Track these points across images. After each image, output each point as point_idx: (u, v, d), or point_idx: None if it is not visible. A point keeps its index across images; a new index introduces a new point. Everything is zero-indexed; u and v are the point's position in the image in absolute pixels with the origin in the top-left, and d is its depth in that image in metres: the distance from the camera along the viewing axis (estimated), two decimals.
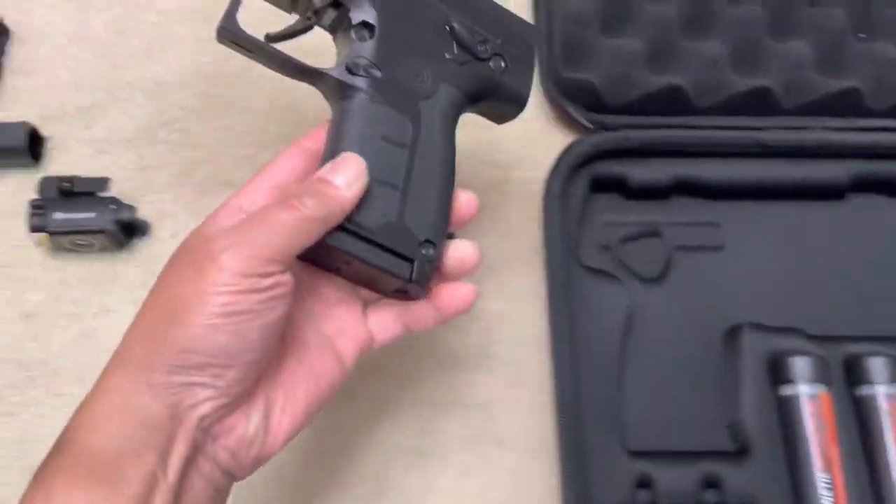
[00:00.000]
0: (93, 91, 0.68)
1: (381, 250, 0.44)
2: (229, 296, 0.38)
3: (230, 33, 0.45)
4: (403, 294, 0.47)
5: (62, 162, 0.66)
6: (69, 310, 0.62)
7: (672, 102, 0.63)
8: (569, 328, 0.56)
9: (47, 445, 0.39)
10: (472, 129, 0.66)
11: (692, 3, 0.65)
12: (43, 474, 0.37)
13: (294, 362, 0.44)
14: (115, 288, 0.63)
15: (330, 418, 0.59)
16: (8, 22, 0.70)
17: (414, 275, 0.45)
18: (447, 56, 0.48)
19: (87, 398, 0.39)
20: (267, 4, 0.49)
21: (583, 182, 0.62)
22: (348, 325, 0.46)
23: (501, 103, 0.52)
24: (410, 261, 0.45)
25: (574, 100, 0.65)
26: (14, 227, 0.64)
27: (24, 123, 0.64)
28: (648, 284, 0.62)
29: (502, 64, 0.50)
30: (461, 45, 0.49)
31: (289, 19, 0.49)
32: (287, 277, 0.40)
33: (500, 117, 0.55)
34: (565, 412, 0.55)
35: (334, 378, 0.45)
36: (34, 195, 0.64)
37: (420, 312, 0.48)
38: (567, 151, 0.62)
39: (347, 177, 0.42)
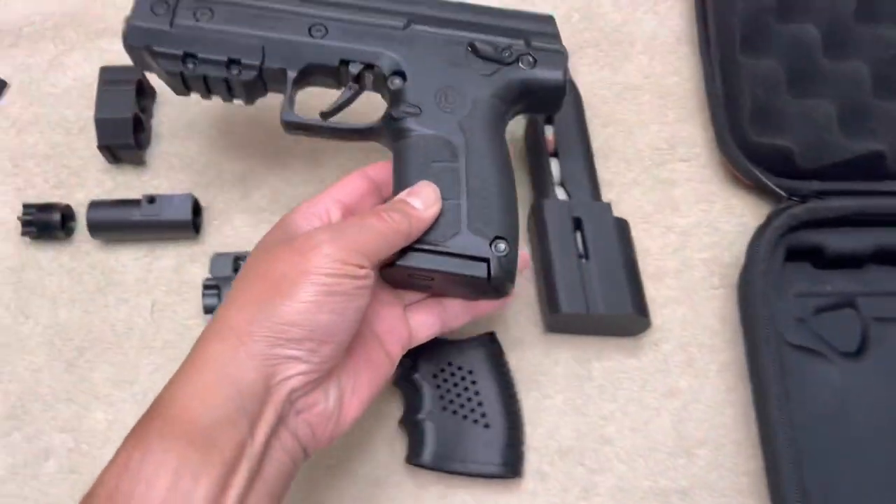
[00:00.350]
0: (249, 156, 0.65)
1: (457, 258, 0.48)
2: (331, 278, 0.42)
3: (293, 125, 0.53)
4: (495, 292, 0.50)
5: (222, 233, 0.63)
6: None
7: (869, 167, 0.60)
8: (786, 413, 0.53)
9: None
10: (648, 192, 0.64)
11: (886, 64, 0.62)
12: (140, 434, 0.40)
13: (358, 353, 0.48)
14: None
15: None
16: (154, 82, 0.67)
17: (492, 271, 0.48)
18: (476, 72, 0.53)
19: (185, 365, 0.42)
20: None
21: (779, 253, 0.59)
22: (394, 324, 0.51)
23: (543, 94, 0.55)
24: (486, 260, 0.48)
25: (760, 164, 0.62)
26: (179, 305, 0.61)
27: (190, 195, 0.61)
28: (847, 359, 0.59)
29: (531, 59, 0.54)
30: (486, 58, 0.53)
31: None
32: (372, 272, 0.44)
33: (549, 107, 0.57)
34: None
35: (386, 371, 0.50)
36: (196, 269, 0.62)
37: (455, 311, 0.53)
38: (768, 223, 0.58)
39: (425, 200, 0.48)
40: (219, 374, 0.41)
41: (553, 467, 0.58)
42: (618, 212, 0.62)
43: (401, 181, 0.50)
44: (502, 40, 0.54)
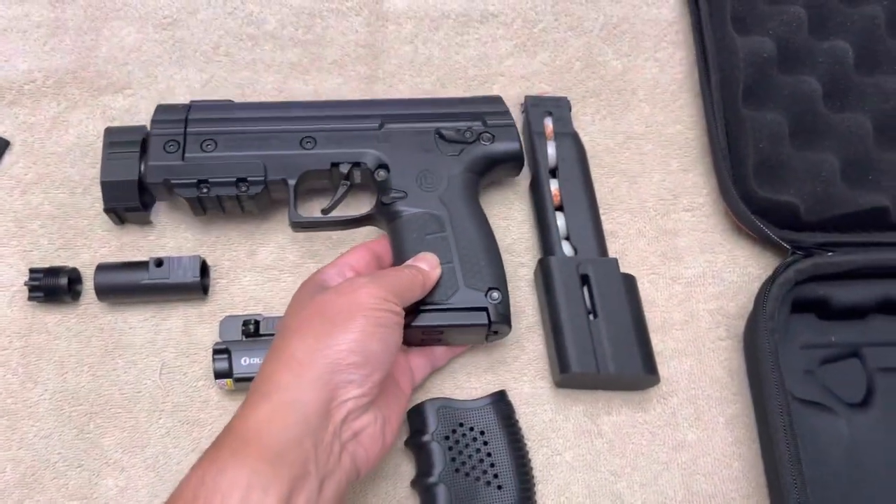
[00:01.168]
0: (254, 214, 0.65)
1: (460, 312, 0.57)
2: (378, 312, 0.49)
3: (299, 224, 0.62)
4: (495, 335, 0.59)
5: (230, 292, 0.63)
6: None
7: (873, 219, 0.61)
8: (797, 472, 0.54)
9: None
10: (653, 242, 0.64)
11: (887, 115, 0.63)
12: (214, 455, 0.44)
13: (387, 385, 0.53)
14: None
15: None
16: None
17: (491, 317, 0.57)
18: (445, 154, 0.62)
19: (253, 395, 0.47)
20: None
21: (786, 307, 0.60)
22: (402, 365, 0.58)
23: (504, 164, 0.64)
24: (484, 309, 0.57)
25: (764, 216, 0.62)
26: (188, 367, 0.61)
27: (198, 257, 0.61)
28: (854, 410, 0.60)
29: (489, 135, 0.63)
30: (451, 141, 0.62)
31: None
32: (402, 312, 0.52)
33: (513, 171, 0.66)
34: None
35: (404, 405, 0.56)
36: (204, 329, 0.62)
37: (439, 354, 0.60)
38: (773, 278, 0.59)
39: (430, 263, 0.57)
40: (287, 399, 0.46)
41: None
42: (623, 263, 0.63)
43: (400, 254, 0.58)
44: (462, 124, 0.63)
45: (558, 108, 0.67)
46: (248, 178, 0.60)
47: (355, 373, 0.48)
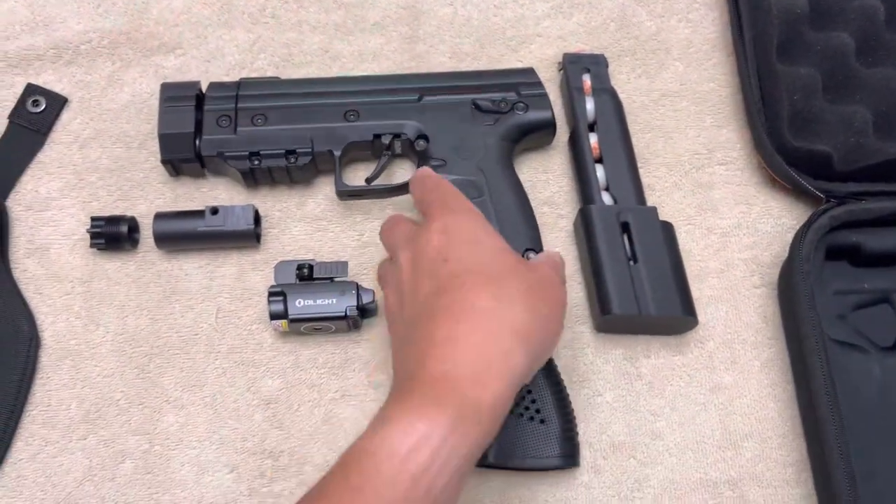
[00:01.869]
0: None
1: None
2: None
3: (345, 192, 0.65)
4: None
5: (280, 241, 0.66)
6: (308, 395, 0.62)
7: None
8: (834, 406, 0.56)
9: None
10: (689, 195, 0.66)
11: None
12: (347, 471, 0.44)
13: None
14: (351, 371, 0.62)
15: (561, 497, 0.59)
16: None
17: None
18: (481, 124, 0.65)
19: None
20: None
21: (820, 253, 0.62)
22: None
23: (539, 130, 0.67)
24: None
25: (798, 167, 0.64)
26: (242, 311, 0.64)
27: (252, 206, 0.63)
28: (885, 353, 0.61)
29: (523, 105, 0.66)
30: (487, 111, 0.65)
31: None
32: None
33: (543, 140, 0.69)
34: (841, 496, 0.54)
35: None
36: (257, 277, 0.65)
37: None
38: (809, 224, 0.61)
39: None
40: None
41: (606, 461, 0.60)
42: (661, 213, 0.64)
43: None
44: (497, 95, 0.66)
45: (596, 64, 0.69)
46: (297, 150, 0.64)
47: None
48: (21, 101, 0.69)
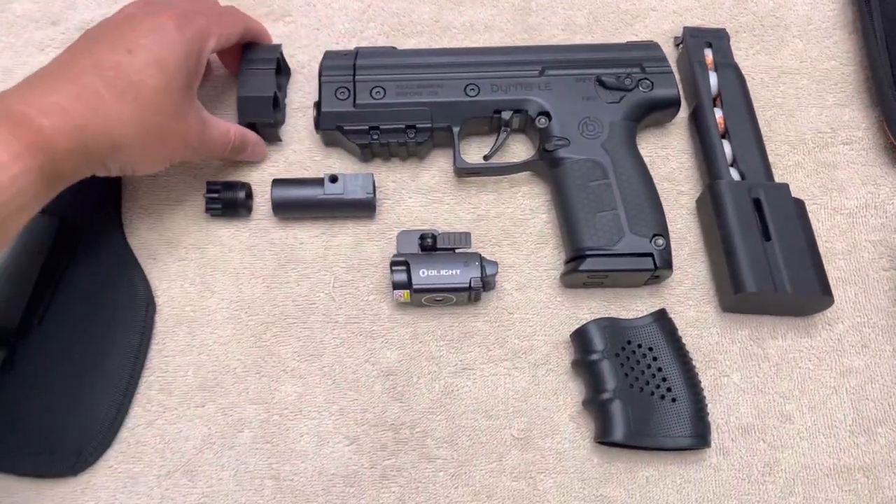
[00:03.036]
0: None
1: (625, 257, 0.59)
2: None
3: (464, 170, 0.64)
4: (656, 279, 0.61)
5: (395, 213, 0.65)
6: (427, 368, 0.60)
7: None
8: None
9: None
10: (812, 174, 0.64)
11: None
12: None
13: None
14: (470, 344, 0.61)
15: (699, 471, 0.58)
16: (290, 62, 0.69)
17: (657, 263, 0.58)
18: (605, 101, 0.63)
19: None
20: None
21: None
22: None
23: (663, 108, 0.65)
24: (650, 255, 0.58)
25: None
26: (359, 281, 0.62)
27: (371, 175, 0.62)
28: None
29: (648, 82, 0.64)
30: (612, 88, 0.63)
31: None
32: None
33: (668, 117, 0.67)
34: None
35: None
36: (373, 247, 0.63)
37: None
38: None
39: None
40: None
41: (735, 443, 0.59)
42: None
43: (564, 202, 0.61)
44: (621, 70, 0.64)
45: (717, 38, 0.68)
46: (417, 126, 0.62)
47: None
48: None
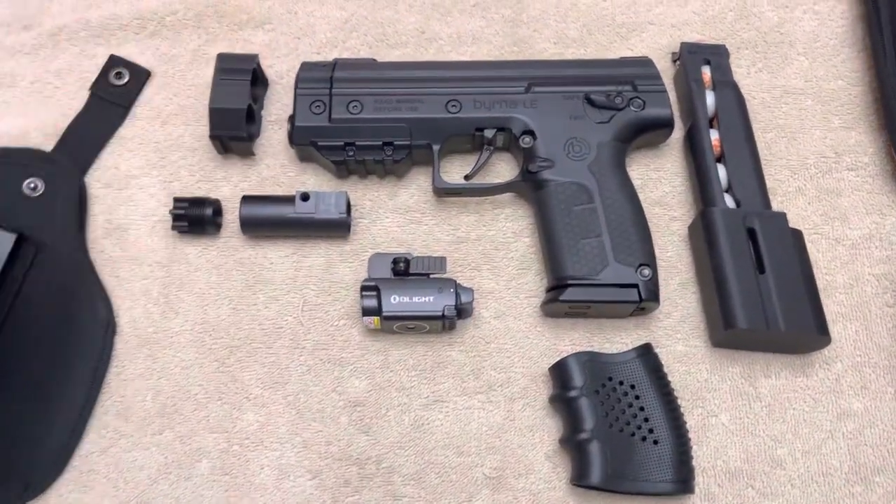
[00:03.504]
0: None
1: (609, 288, 0.55)
2: None
3: (443, 190, 0.61)
4: (642, 311, 0.57)
5: (371, 233, 0.62)
6: (397, 399, 0.57)
7: None
8: None
9: None
10: (814, 201, 0.61)
11: None
12: None
13: None
14: (443, 375, 0.58)
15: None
16: (268, 72, 0.66)
17: (642, 294, 0.55)
18: (594, 120, 0.60)
19: None
20: None
21: None
22: None
23: (653, 131, 0.61)
24: (635, 286, 0.55)
25: None
26: (329, 305, 0.60)
27: (345, 193, 0.59)
28: None
29: (640, 101, 0.60)
30: (601, 107, 0.60)
31: None
32: None
33: (661, 139, 0.63)
34: None
35: None
36: (346, 269, 0.61)
37: None
38: None
39: None
40: None
41: (721, 489, 0.55)
42: None
43: (547, 225, 0.58)
44: (612, 88, 0.60)
45: (717, 55, 0.64)
46: (395, 143, 0.60)
47: None
48: (103, 73, 0.65)
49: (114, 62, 0.66)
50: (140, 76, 0.66)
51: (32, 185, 0.60)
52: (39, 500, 0.54)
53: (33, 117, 0.64)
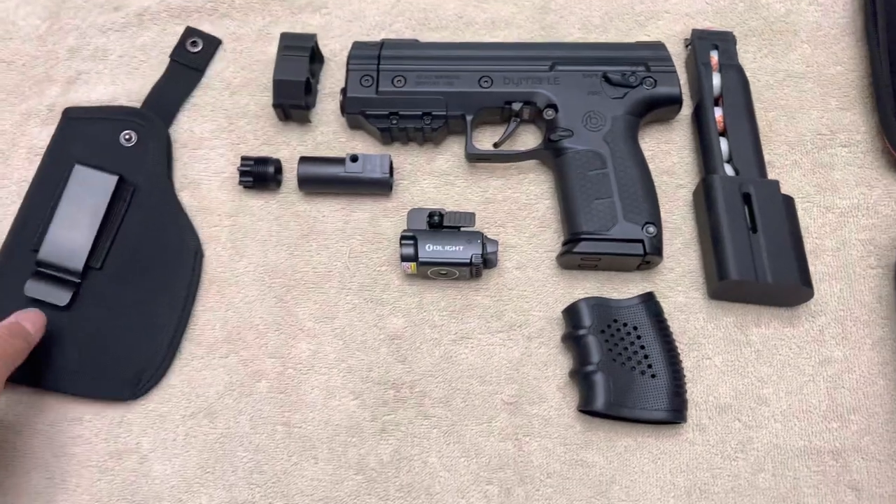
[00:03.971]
0: None
1: (617, 242, 0.63)
2: None
3: (474, 156, 0.69)
4: (647, 265, 0.65)
5: (410, 192, 0.70)
6: (429, 335, 0.66)
7: None
8: None
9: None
10: (808, 174, 0.67)
11: None
12: None
13: None
14: (470, 316, 0.66)
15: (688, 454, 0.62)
16: (324, 51, 0.75)
17: (647, 249, 0.63)
18: (610, 96, 0.67)
19: None
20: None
21: None
22: None
23: (665, 106, 0.69)
24: (640, 241, 0.63)
25: None
26: (373, 253, 0.68)
27: (388, 156, 0.68)
28: None
29: (652, 80, 0.68)
30: (616, 84, 0.67)
31: None
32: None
33: (671, 115, 0.71)
34: None
35: None
36: (388, 223, 0.69)
37: None
38: None
39: (34, 324, 0.61)
40: None
41: (711, 421, 0.63)
42: (781, 189, 0.66)
43: (564, 189, 0.66)
44: (627, 68, 0.68)
45: (724, 41, 0.71)
46: (433, 113, 0.68)
47: None
48: (181, 42, 0.75)
49: (190, 33, 0.75)
50: (212, 44, 0.75)
51: (128, 137, 0.70)
52: (125, 407, 0.64)
53: (121, 86, 0.74)
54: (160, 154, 0.70)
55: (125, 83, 0.74)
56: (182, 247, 0.68)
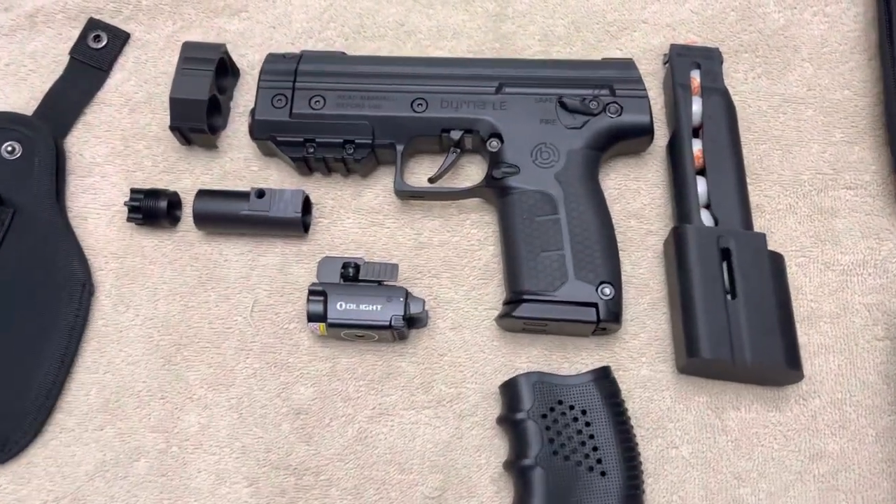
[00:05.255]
0: None
1: (566, 305, 0.52)
2: None
3: (405, 192, 0.58)
4: (603, 331, 0.54)
5: (330, 233, 0.59)
6: (342, 409, 0.55)
7: None
8: None
9: None
10: (805, 221, 0.57)
11: None
12: None
13: None
14: (392, 387, 0.56)
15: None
16: (239, 63, 0.64)
17: (601, 315, 0.52)
18: (566, 126, 0.56)
19: None
20: None
21: None
22: None
23: (630, 139, 0.57)
24: (594, 305, 0.52)
25: None
26: (281, 306, 0.58)
27: (301, 191, 0.57)
28: None
29: (617, 107, 0.56)
30: (574, 111, 0.56)
31: None
32: None
33: (639, 148, 0.59)
34: None
35: None
36: (301, 270, 0.59)
37: None
38: None
39: None
40: None
41: None
42: (769, 241, 0.54)
43: (508, 235, 0.55)
44: (587, 92, 0.57)
45: (708, 59, 0.60)
46: (356, 141, 0.57)
47: None
48: (82, 37, 0.65)
49: (93, 25, 0.65)
50: (119, 38, 0.65)
51: (10, 148, 0.60)
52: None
53: (6, 98, 0.64)
54: (47, 169, 0.60)
55: (10, 95, 0.64)
56: (68, 277, 0.57)
